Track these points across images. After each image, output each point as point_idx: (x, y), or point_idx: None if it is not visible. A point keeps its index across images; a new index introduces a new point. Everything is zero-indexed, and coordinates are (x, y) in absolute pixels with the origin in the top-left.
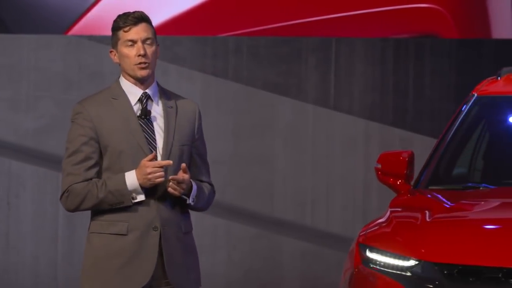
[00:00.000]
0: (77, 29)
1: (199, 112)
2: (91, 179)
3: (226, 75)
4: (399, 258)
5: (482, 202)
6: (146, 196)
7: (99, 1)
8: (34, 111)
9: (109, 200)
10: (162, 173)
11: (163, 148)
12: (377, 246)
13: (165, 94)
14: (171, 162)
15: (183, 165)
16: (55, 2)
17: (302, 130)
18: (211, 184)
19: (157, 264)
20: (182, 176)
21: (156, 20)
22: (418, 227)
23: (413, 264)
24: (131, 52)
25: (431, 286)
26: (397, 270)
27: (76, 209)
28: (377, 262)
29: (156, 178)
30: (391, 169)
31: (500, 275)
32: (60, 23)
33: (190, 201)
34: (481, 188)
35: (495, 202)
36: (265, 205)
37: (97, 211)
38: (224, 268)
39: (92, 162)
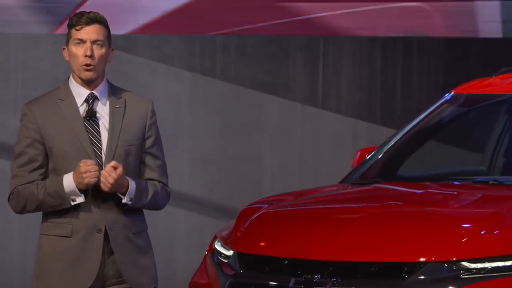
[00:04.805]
0: (65, 27)
1: (152, 110)
2: (35, 181)
3: (214, 74)
4: (226, 249)
5: (338, 197)
6: (91, 198)
7: (86, 0)
8: None
9: (48, 202)
10: (97, 172)
11: (107, 149)
12: (220, 238)
13: (115, 94)
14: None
15: (112, 162)
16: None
17: (290, 129)
18: (163, 183)
19: (107, 265)
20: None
21: (143, 19)
22: (248, 220)
23: (230, 254)
24: (79, 52)
25: (230, 274)
26: (224, 259)
27: (22, 211)
28: (218, 253)
29: (91, 178)
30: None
31: (285, 263)
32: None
33: (126, 200)
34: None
35: (352, 197)
36: None
37: (46, 212)
38: None
39: (36, 164)
